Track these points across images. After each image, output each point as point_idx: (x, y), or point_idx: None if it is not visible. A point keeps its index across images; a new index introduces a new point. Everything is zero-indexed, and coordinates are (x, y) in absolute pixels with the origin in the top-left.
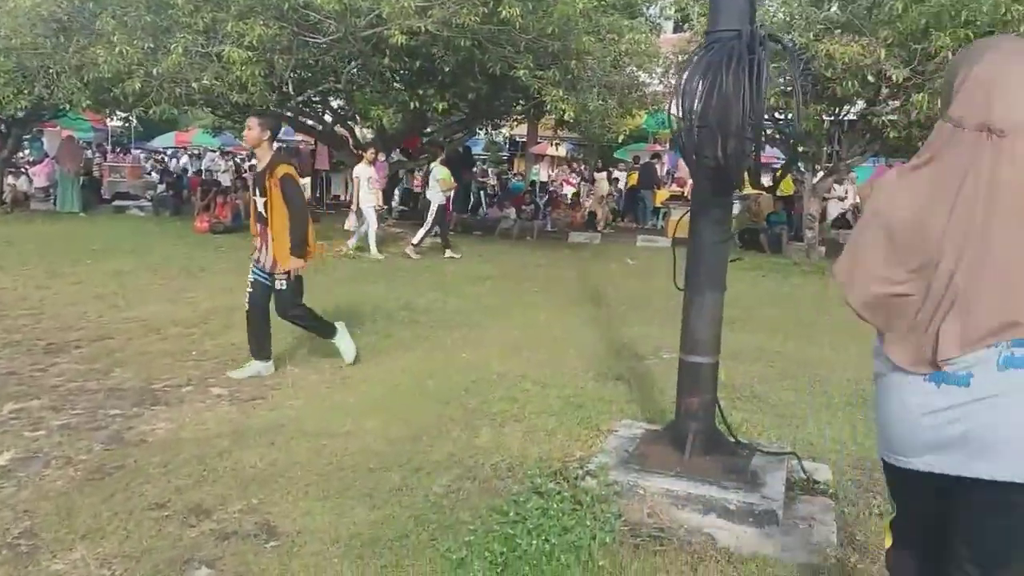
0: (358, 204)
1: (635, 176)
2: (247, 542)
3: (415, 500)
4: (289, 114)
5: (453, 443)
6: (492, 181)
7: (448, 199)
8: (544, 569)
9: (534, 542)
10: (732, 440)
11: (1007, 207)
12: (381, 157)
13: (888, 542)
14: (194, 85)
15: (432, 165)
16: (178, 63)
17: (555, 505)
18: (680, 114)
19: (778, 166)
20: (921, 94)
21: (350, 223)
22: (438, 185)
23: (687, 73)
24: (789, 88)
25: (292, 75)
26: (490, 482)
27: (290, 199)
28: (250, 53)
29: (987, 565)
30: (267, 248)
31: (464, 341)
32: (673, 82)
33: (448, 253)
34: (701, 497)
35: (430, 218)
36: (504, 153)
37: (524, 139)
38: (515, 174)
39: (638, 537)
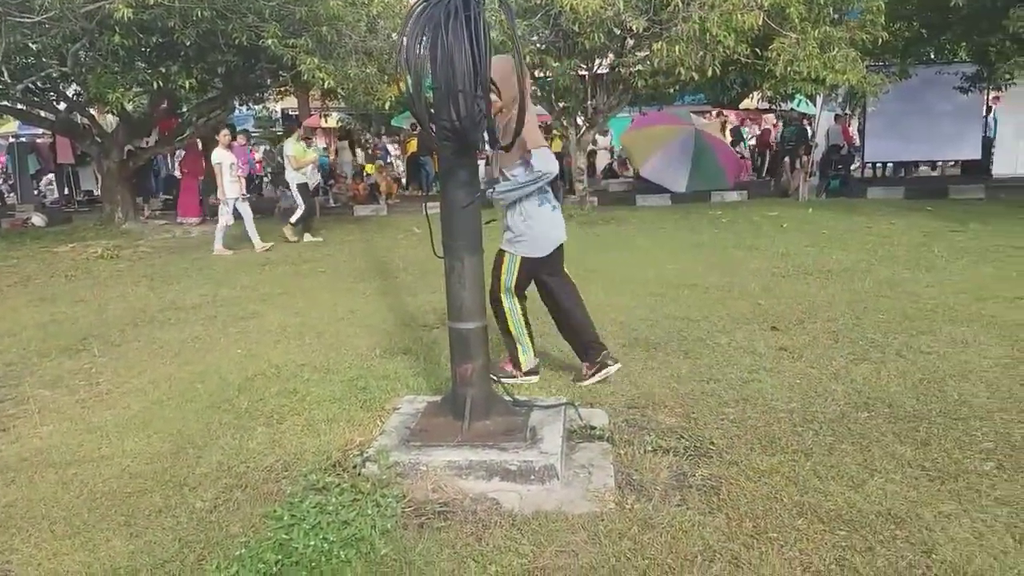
0: (224, 195)
1: (414, 143)
2: None
3: (179, 520)
4: (7, 104)
5: (222, 451)
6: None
7: (310, 176)
8: (323, 570)
9: (312, 543)
10: (509, 400)
11: None
12: (241, 140)
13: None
14: None
15: (285, 143)
16: None
17: (334, 499)
18: (408, 75)
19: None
20: (659, 43)
21: (225, 219)
22: (290, 163)
23: (407, 31)
24: (542, 45)
25: (6, 61)
26: (263, 487)
27: None
28: None
29: None
30: None
31: (239, 335)
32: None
33: (306, 237)
34: (482, 463)
35: (297, 198)
36: (278, 129)
37: (296, 112)
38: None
39: (423, 516)
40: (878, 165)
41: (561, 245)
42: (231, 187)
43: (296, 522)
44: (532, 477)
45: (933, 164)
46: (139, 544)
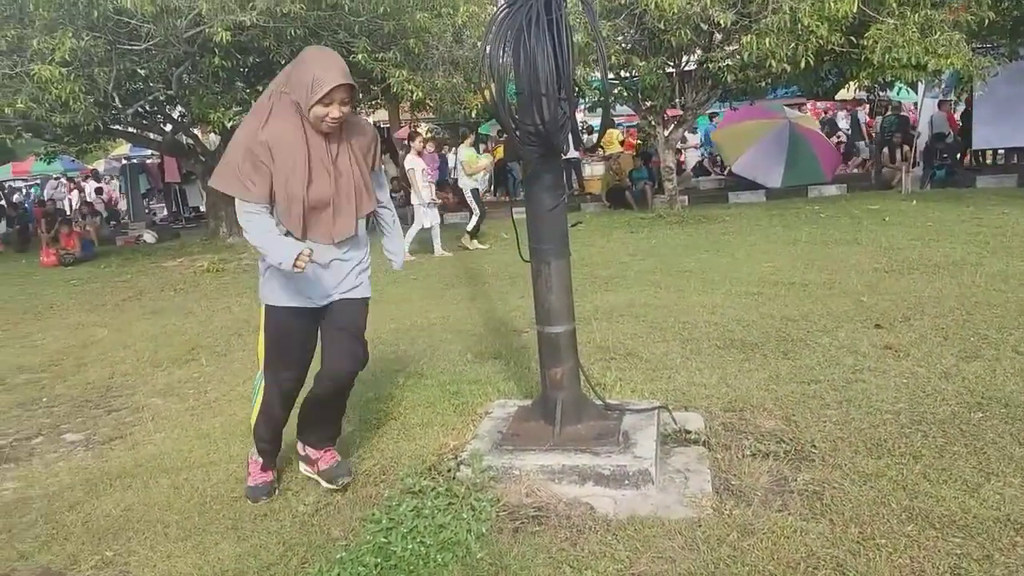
0: (418, 200)
1: (500, 149)
2: None
3: (283, 524)
4: (119, 127)
5: None
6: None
7: (481, 181)
8: (421, 573)
9: (409, 546)
10: (601, 403)
11: None
12: (430, 147)
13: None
14: (7, 111)
15: (459, 149)
16: None
17: (430, 503)
18: (492, 82)
19: (633, 124)
20: (748, 36)
21: (421, 223)
22: (463, 168)
23: (490, 38)
24: (628, 45)
25: (117, 87)
26: (362, 490)
27: None
28: (64, 69)
29: None
30: None
31: None
32: (480, 49)
33: (474, 244)
34: (575, 468)
35: (472, 204)
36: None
37: (388, 125)
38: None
39: (517, 520)
40: (989, 152)
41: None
42: (424, 192)
43: (394, 525)
44: (626, 482)
45: None
46: (246, 547)
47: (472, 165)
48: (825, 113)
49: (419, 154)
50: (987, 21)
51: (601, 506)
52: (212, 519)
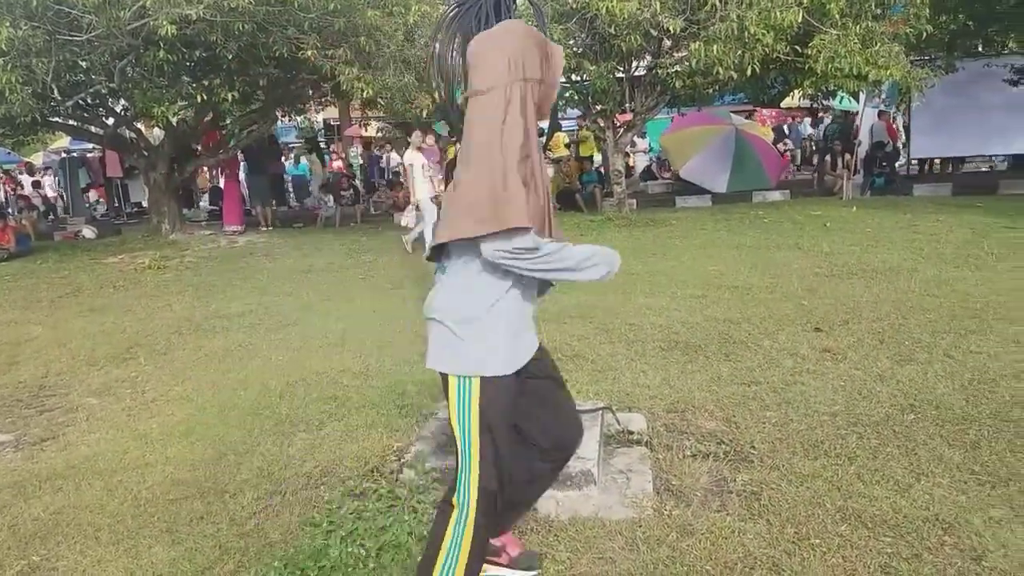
0: (415, 196)
1: (453, 149)
2: None
3: (219, 527)
4: (58, 120)
5: (262, 457)
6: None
7: None
8: None
9: (348, 549)
10: None
11: None
12: (430, 140)
13: None
14: None
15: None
16: None
17: (371, 505)
18: (442, 82)
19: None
20: (697, 43)
21: (407, 219)
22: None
23: (439, 37)
24: (578, 49)
25: (57, 79)
26: (302, 493)
27: None
28: (0, 59)
29: None
30: None
31: (281, 343)
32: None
33: None
34: None
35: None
36: (321, 140)
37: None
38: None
39: None
40: (928, 161)
41: None
42: (422, 186)
43: (334, 528)
44: (568, 483)
45: (985, 160)
46: (180, 551)
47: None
48: (770, 122)
49: (419, 149)
50: (925, 34)
51: (543, 507)
52: (146, 522)
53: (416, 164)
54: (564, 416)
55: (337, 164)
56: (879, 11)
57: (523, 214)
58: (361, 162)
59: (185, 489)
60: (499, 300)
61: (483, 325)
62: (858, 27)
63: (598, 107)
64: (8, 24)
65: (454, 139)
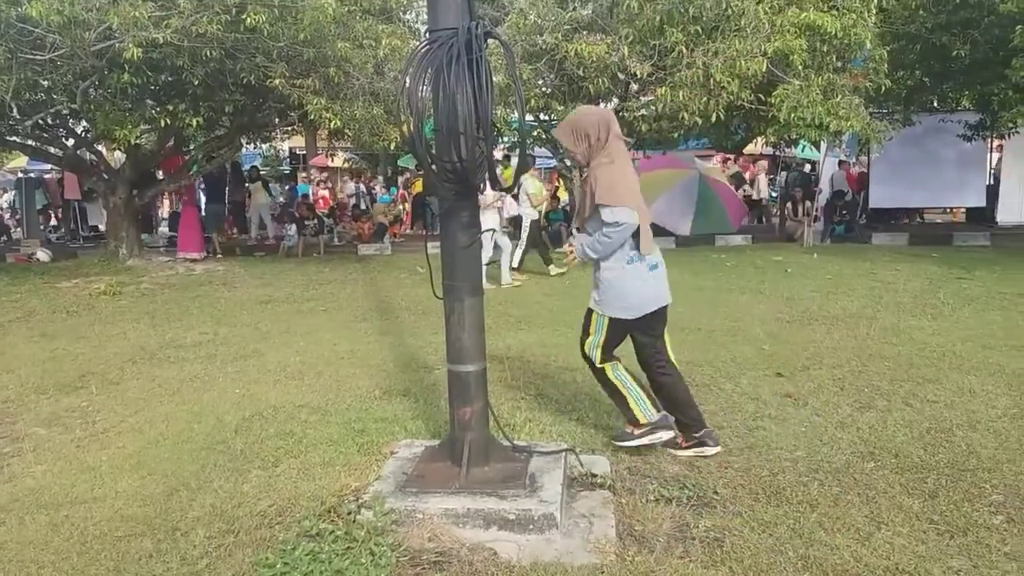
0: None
1: (419, 183)
2: None
3: (169, 566)
4: (17, 139)
5: (215, 494)
6: (280, 199)
7: (540, 214)
8: None
9: None
10: (509, 444)
11: None
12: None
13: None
14: None
15: (523, 178)
16: None
17: (327, 547)
18: (411, 117)
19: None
20: (663, 88)
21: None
22: (528, 200)
23: (410, 72)
24: (547, 89)
25: (16, 97)
26: (256, 532)
27: None
28: None
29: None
30: None
31: (238, 375)
32: (399, 83)
33: (553, 270)
34: (480, 511)
35: (524, 235)
36: (285, 168)
37: (304, 151)
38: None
39: (418, 566)
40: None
41: (663, 309)
42: (491, 217)
43: (288, 570)
44: (531, 527)
45: (942, 210)
46: None
47: (539, 197)
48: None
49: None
50: (883, 88)
51: (505, 551)
52: (92, 559)
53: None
54: None
55: (323, 194)
56: (840, 64)
57: None
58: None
59: (134, 526)
60: None
61: None
62: (820, 78)
63: (561, 147)
64: None
65: (420, 173)
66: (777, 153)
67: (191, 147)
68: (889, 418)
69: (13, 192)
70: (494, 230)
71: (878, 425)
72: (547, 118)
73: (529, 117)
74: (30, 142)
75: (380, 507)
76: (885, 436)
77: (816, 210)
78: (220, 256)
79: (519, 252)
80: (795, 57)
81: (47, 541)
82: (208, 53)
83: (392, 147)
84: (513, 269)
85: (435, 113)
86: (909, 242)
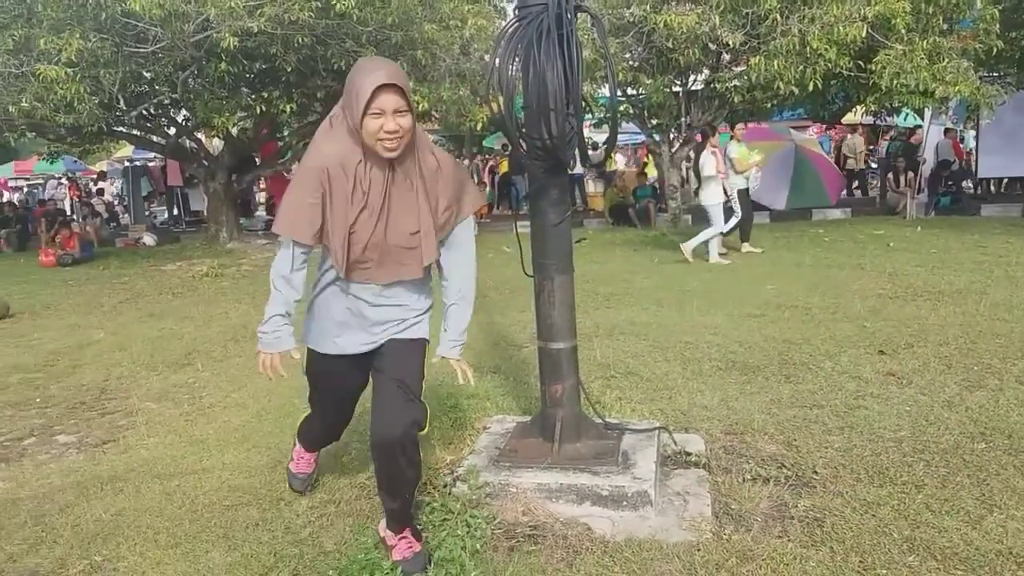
0: (703, 200)
1: (506, 163)
2: None
3: (275, 534)
4: (123, 129)
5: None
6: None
7: (753, 180)
8: None
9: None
10: (600, 422)
11: None
12: (714, 141)
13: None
14: (12, 109)
15: (728, 144)
16: None
17: (424, 518)
18: (500, 95)
19: (638, 141)
20: (757, 57)
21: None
22: (732, 166)
23: (499, 51)
24: (635, 63)
25: (122, 89)
26: (356, 503)
27: None
28: (70, 70)
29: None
30: None
31: None
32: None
33: (746, 248)
34: (573, 487)
35: (735, 204)
36: None
37: None
38: None
39: (513, 538)
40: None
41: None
42: (713, 190)
43: None
44: (624, 503)
45: None
46: (236, 557)
47: (744, 162)
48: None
49: (712, 151)
50: (995, 50)
51: (599, 527)
52: (203, 527)
53: (708, 165)
54: (380, 414)
55: None
56: (947, 26)
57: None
58: None
59: (241, 495)
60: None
61: None
62: (925, 42)
63: (654, 121)
64: (79, 36)
65: (507, 152)
66: (877, 122)
67: (285, 133)
68: (1001, 397)
69: (120, 180)
70: (728, 198)
71: (989, 405)
72: (635, 92)
73: (618, 92)
74: (135, 132)
75: (475, 480)
76: (997, 416)
77: (920, 181)
78: None
79: (731, 224)
80: (898, 20)
81: (161, 509)
82: (300, 40)
83: (479, 127)
84: (723, 235)
85: (524, 90)
86: (1023, 213)
